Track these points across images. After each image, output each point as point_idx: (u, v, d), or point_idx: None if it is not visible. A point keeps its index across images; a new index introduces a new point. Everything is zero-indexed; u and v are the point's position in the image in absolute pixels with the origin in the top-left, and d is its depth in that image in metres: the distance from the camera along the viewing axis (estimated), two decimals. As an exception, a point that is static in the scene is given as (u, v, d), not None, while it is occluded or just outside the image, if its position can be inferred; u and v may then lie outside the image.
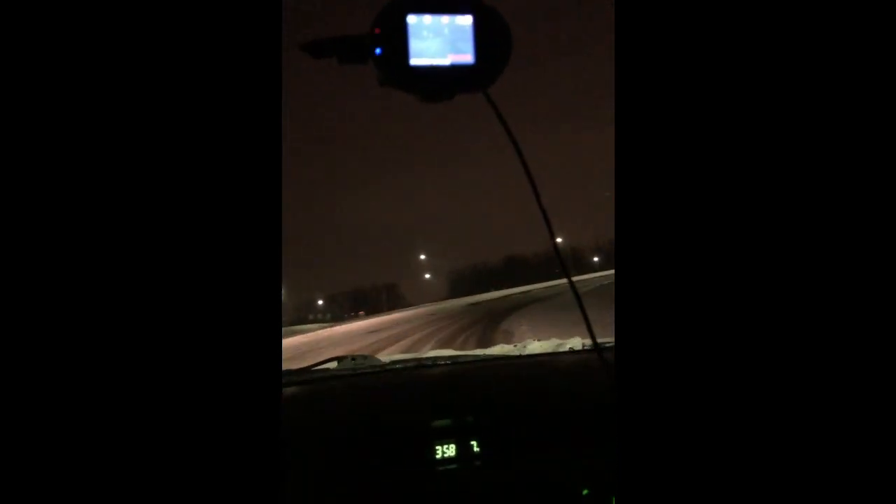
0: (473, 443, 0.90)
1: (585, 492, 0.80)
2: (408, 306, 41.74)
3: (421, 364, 1.30)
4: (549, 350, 1.36)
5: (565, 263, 0.65)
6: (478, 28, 0.49)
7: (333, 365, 1.31)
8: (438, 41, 0.49)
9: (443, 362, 1.30)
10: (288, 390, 1.09)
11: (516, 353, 1.37)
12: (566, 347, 1.36)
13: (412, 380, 1.18)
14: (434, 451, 0.88)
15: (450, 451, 0.89)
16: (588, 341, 1.30)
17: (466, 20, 0.49)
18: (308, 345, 14.10)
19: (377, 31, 0.49)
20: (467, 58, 0.49)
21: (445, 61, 0.49)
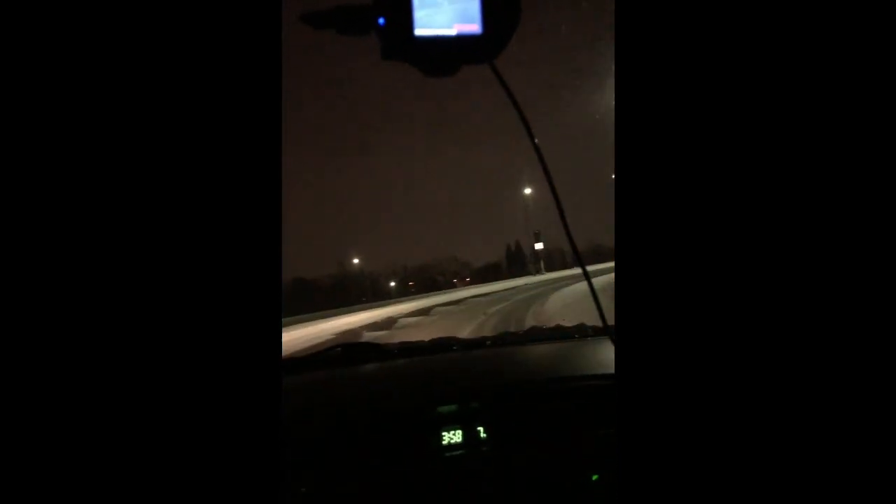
0: (480, 429, 0.89)
1: (595, 477, 0.79)
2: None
3: (426, 350, 1.29)
4: (557, 334, 1.35)
5: (580, 257, 0.64)
6: None
7: (338, 352, 1.31)
8: (444, 10, 0.47)
9: (449, 348, 1.29)
10: (294, 378, 1.08)
11: (521, 338, 1.36)
12: (572, 332, 1.35)
13: (418, 366, 1.17)
14: (441, 438, 0.87)
15: (456, 437, 0.88)
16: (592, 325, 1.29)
17: None
18: None
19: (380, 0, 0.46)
20: (474, 27, 0.47)
21: (452, 31, 0.47)
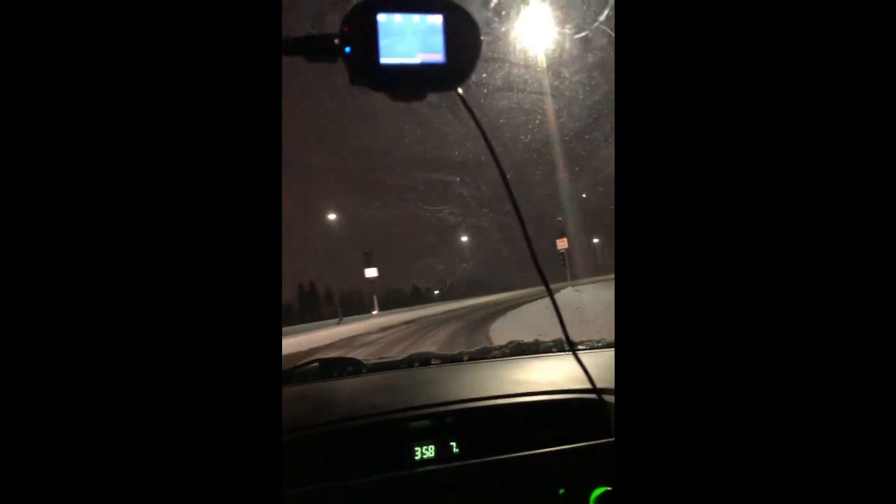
0: (453, 443, 0.89)
1: (562, 491, 0.80)
2: None
3: (401, 365, 1.29)
4: (530, 349, 1.37)
5: (542, 271, 0.65)
6: (448, 27, 0.49)
7: (315, 367, 1.30)
8: (409, 40, 0.49)
9: (423, 362, 1.30)
10: None
11: (497, 353, 1.37)
12: (545, 347, 1.37)
13: (393, 380, 1.17)
14: (413, 453, 0.88)
15: (429, 452, 0.88)
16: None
17: (437, 19, 0.49)
18: None
19: (346, 29, 0.48)
20: (438, 57, 0.49)
21: (415, 60, 0.49)
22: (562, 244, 20.76)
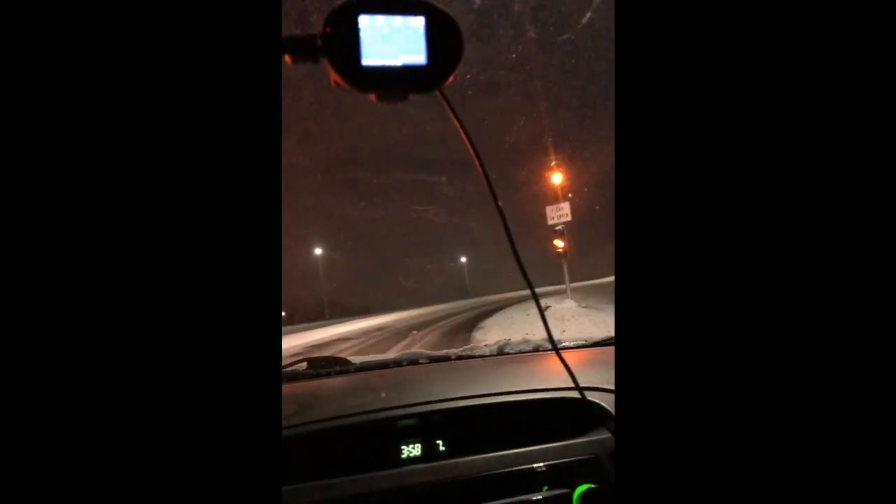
0: (439, 442, 0.90)
1: (545, 488, 0.81)
2: None
3: (389, 364, 1.30)
4: (517, 349, 1.38)
5: (527, 274, 0.66)
6: (430, 30, 0.50)
7: (303, 366, 1.30)
8: (391, 42, 0.49)
9: (410, 362, 1.30)
10: None
11: (485, 351, 1.37)
12: (532, 346, 1.38)
13: (381, 379, 1.18)
14: (400, 451, 0.88)
15: (415, 450, 0.89)
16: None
17: (419, 21, 0.50)
18: None
19: (328, 30, 0.48)
20: (420, 58, 0.50)
21: (397, 62, 0.49)
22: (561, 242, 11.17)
